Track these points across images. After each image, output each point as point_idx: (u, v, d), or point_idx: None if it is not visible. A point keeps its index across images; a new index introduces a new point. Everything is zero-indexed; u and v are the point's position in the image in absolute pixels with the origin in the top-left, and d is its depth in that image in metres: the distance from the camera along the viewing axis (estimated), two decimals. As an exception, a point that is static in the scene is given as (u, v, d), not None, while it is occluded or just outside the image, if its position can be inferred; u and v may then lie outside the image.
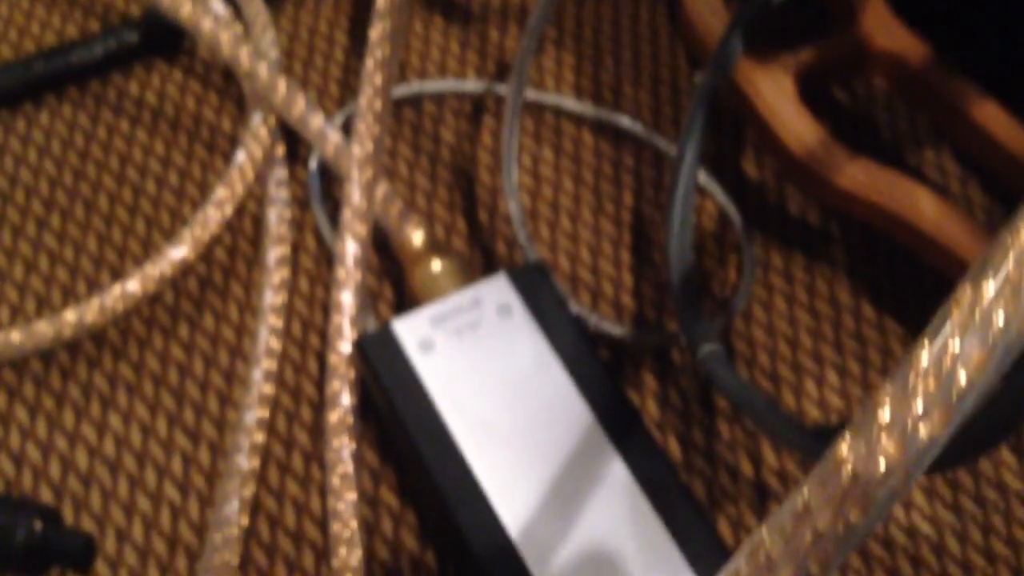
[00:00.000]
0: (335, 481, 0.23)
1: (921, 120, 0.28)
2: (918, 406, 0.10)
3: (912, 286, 0.26)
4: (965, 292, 0.10)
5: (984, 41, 0.25)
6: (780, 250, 0.26)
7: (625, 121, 0.28)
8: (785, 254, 0.26)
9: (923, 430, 0.10)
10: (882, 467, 0.09)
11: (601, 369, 0.22)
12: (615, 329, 0.25)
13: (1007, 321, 0.09)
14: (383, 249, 0.26)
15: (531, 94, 0.28)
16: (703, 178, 0.27)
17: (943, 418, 0.10)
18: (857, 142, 0.28)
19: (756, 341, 0.25)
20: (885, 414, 0.10)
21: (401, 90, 0.29)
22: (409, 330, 0.23)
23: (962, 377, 0.10)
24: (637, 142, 0.28)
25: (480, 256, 0.27)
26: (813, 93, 0.26)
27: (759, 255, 0.26)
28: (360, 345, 0.23)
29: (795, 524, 0.10)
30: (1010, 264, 0.10)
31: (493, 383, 0.22)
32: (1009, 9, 0.24)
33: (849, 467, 0.10)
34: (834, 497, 0.10)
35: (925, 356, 0.10)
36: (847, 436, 0.10)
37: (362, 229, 0.24)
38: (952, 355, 0.10)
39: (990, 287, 0.10)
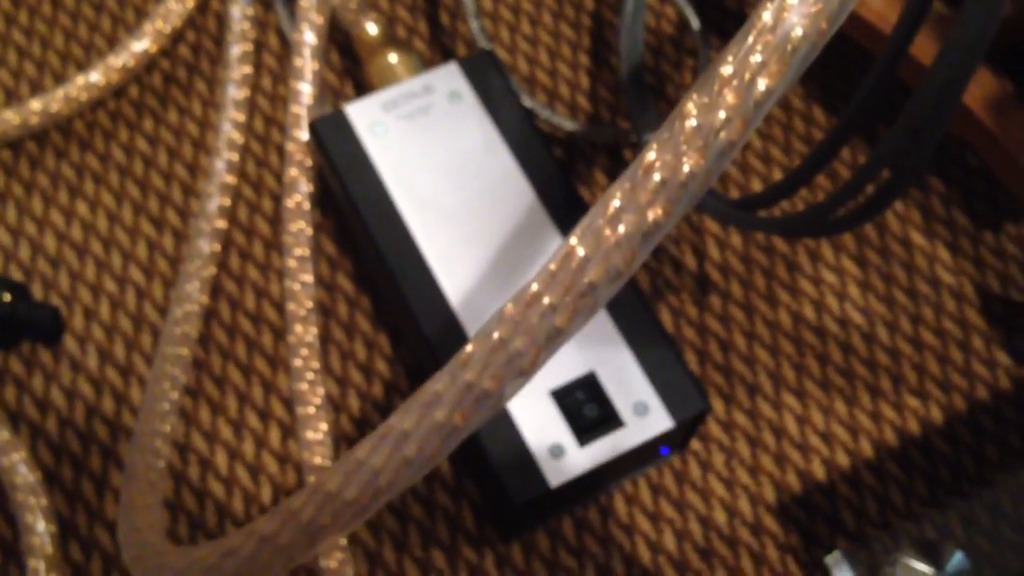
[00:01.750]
0: (292, 263, 0.24)
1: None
2: (756, 58, 0.10)
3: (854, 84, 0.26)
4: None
5: None
6: (736, 53, 0.27)
7: (589, -74, 0.28)
8: (741, 57, 0.27)
9: (760, 82, 0.10)
10: (721, 116, 0.10)
11: (547, 153, 0.23)
12: (567, 123, 0.25)
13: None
14: (346, 50, 0.27)
15: (496, -103, 0.28)
16: (663, -18, 0.27)
17: (780, 70, 0.10)
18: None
19: (706, 140, 0.26)
20: (726, 69, 0.10)
21: None
22: (361, 113, 0.23)
23: (797, 31, 0.10)
24: (601, -53, 0.28)
25: (441, 57, 0.27)
26: None
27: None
28: (314, 127, 0.23)
29: (643, 175, 0.10)
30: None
31: (441, 164, 0.23)
32: None
33: (692, 119, 0.10)
34: (678, 146, 0.10)
35: (765, 14, 0.10)
36: (692, 93, 0.10)
37: (319, 19, 0.24)
38: (789, 8, 0.10)
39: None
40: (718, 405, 0.23)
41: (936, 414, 0.23)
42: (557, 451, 0.20)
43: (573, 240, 0.11)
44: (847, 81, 0.26)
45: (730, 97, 0.10)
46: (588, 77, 0.27)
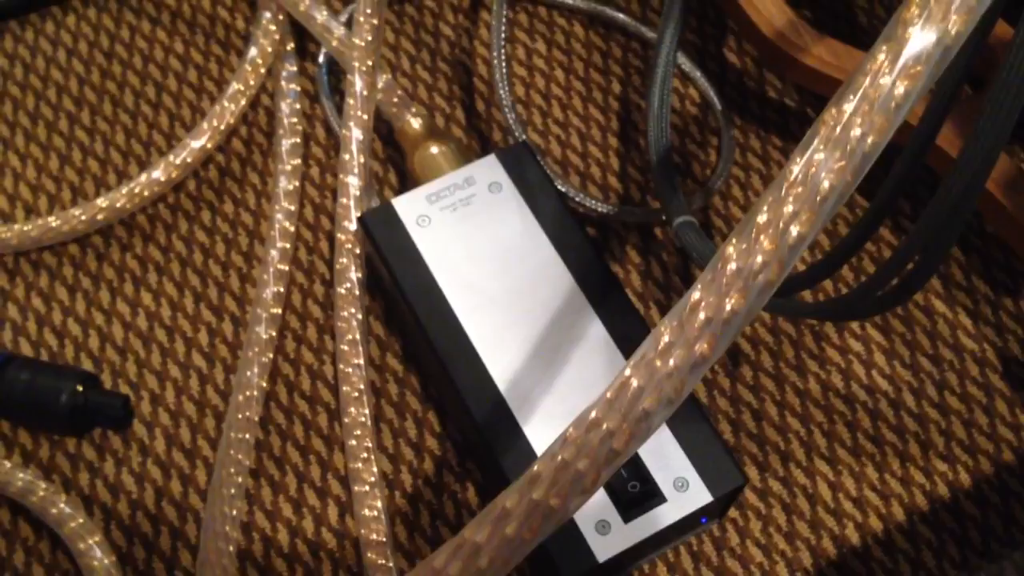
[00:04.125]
0: (344, 347, 0.25)
1: (898, 4, 0.29)
2: (789, 208, 0.11)
3: (882, 165, 0.28)
4: (829, 112, 0.12)
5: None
6: (758, 133, 0.28)
7: (614, 13, 0.30)
8: (762, 137, 0.28)
9: (793, 229, 0.11)
10: (759, 260, 0.11)
11: (583, 238, 0.24)
12: (600, 206, 0.27)
13: (862, 134, 0.11)
14: (389, 139, 0.28)
15: (525, -11, 0.30)
16: (687, 66, 0.28)
17: (810, 218, 0.11)
18: (835, 30, 0.29)
19: (733, 218, 0.27)
20: (762, 217, 0.12)
21: (403, -12, 0.30)
22: (408, 206, 0.25)
23: (825, 183, 0.11)
24: (626, 33, 0.30)
25: (478, 143, 0.28)
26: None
27: (738, 138, 0.28)
28: (363, 221, 0.25)
29: (690, 313, 0.12)
30: (867, 83, 0.11)
31: (484, 252, 0.24)
32: None
33: (733, 263, 0.12)
34: (721, 288, 0.11)
35: (796, 168, 0.12)
36: (732, 238, 0.12)
37: (364, 116, 0.26)
38: (817, 164, 0.11)
39: (850, 106, 0.11)
40: (753, 473, 0.24)
41: (964, 477, 0.24)
42: (603, 527, 0.21)
43: (628, 371, 0.12)
44: (866, 155, 0.28)
45: (766, 243, 0.11)
46: (618, 158, 0.28)
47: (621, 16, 0.29)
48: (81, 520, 0.24)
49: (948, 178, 0.18)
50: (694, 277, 0.26)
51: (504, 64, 0.28)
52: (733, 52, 0.29)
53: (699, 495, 0.21)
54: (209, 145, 0.28)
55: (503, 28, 0.28)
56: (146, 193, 0.27)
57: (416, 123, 0.27)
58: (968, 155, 0.17)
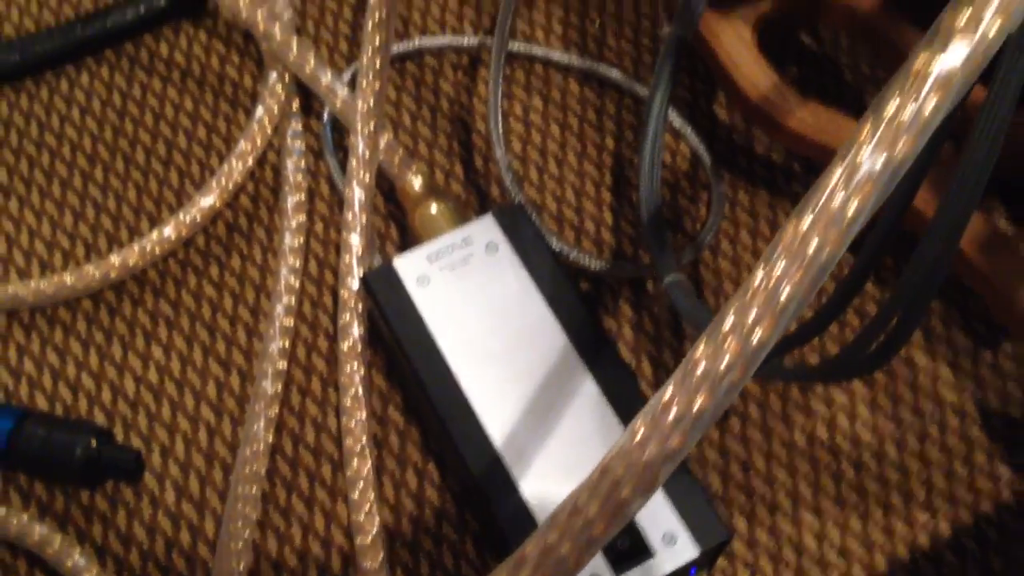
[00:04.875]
0: (347, 402, 0.26)
1: (882, 64, 0.30)
2: (752, 315, 0.12)
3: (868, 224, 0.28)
4: (790, 224, 0.13)
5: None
6: (746, 188, 0.29)
7: (608, 71, 0.31)
8: (751, 191, 0.29)
9: (756, 334, 0.12)
10: (725, 362, 0.12)
11: (576, 298, 0.25)
12: (593, 263, 0.28)
13: (819, 247, 0.12)
14: (390, 195, 0.29)
15: (521, 47, 0.31)
16: (677, 122, 0.29)
17: (771, 324, 0.12)
18: (820, 87, 0.30)
19: (723, 272, 0.28)
20: (727, 322, 0.13)
21: (403, 46, 0.31)
22: (408, 266, 0.26)
23: (784, 293, 0.12)
24: (619, 90, 0.31)
25: (476, 198, 0.29)
26: (776, 41, 0.28)
27: (727, 192, 0.29)
28: (365, 280, 0.26)
29: (662, 411, 0.13)
30: (823, 199, 0.12)
31: (481, 312, 0.25)
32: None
33: (702, 365, 0.13)
34: (689, 387, 0.12)
35: (758, 277, 0.13)
36: (701, 341, 0.13)
37: (367, 177, 0.27)
38: (777, 276, 0.12)
39: (807, 221, 0.12)
40: (740, 524, 0.25)
41: (944, 527, 0.25)
42: (594, 582, 0.22)
43: (607, 461, 0.13)
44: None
45: (732, 346, 0.12)
46: (611, 213, 0.29)
47: (615, 73, 0.31)
48: (95, 571, 0.25)
49: (922, 243, 0.19)
50: (684, 331, 0.27)
51: (500, 122, 0.29)
52: (723, 108, 0.30)
53: (687, 549, 0.22)
54: (217, 204, 0.29)
55: (500, 85, 0.29)
56: (157, 250, 0.28)
57: (416, 183, 0.28)
58: (941, 220, 0.18)
